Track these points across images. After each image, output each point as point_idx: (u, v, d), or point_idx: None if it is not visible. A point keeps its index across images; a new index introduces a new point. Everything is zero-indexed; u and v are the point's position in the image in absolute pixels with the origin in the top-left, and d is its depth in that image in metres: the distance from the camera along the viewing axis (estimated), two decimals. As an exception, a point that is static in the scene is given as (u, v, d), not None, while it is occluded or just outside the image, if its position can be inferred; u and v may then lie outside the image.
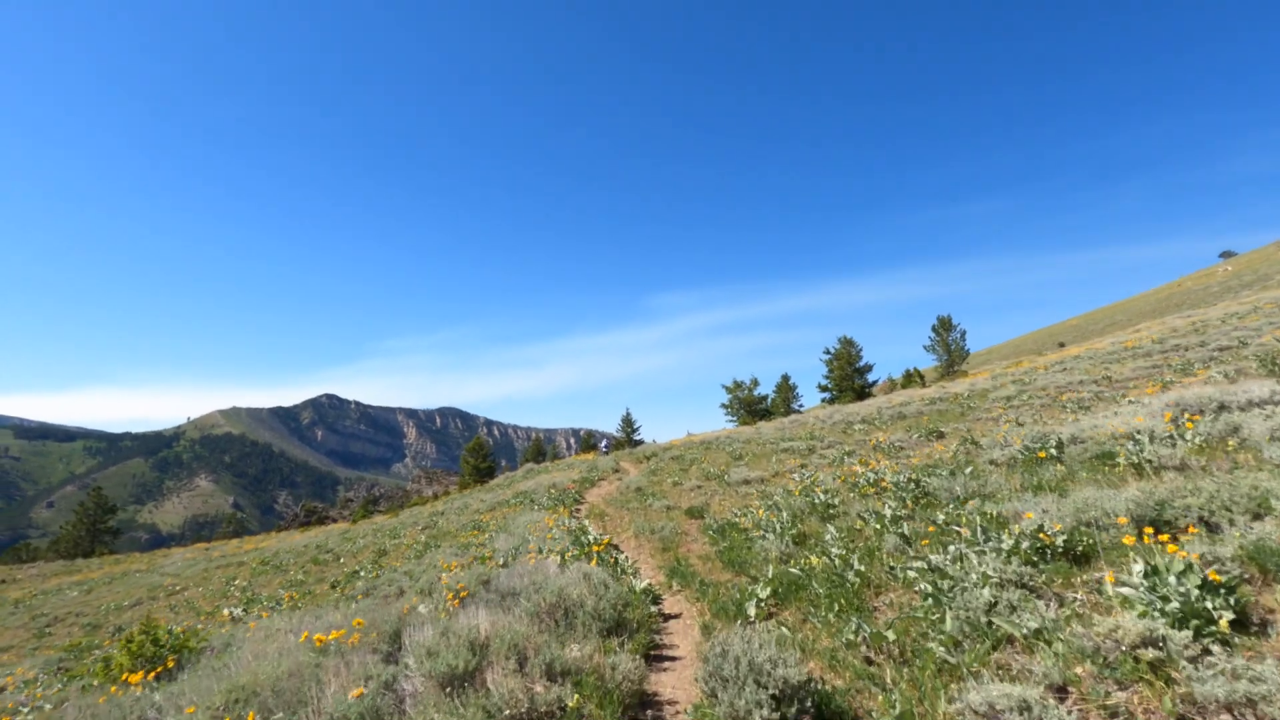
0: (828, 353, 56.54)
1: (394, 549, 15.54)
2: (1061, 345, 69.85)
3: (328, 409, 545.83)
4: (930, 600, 4.03)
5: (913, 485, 7.37)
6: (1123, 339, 31.43)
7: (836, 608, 4.48)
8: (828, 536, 6.34)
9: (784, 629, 4.40)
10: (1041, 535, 4.36)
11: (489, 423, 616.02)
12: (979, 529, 4.94)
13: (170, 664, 6.92)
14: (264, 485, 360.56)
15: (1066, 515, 4.72)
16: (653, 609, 5.73)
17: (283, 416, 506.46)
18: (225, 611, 12.00)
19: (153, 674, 6.57)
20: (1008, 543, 4.40)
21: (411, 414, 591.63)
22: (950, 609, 3.69)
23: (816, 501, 8.13)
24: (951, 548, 4.51)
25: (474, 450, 62.25)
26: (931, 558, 4.51)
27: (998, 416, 13.90)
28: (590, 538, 9.14)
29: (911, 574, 4.58)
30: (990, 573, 3.89)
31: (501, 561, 8.86)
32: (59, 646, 11.83)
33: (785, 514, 8.06)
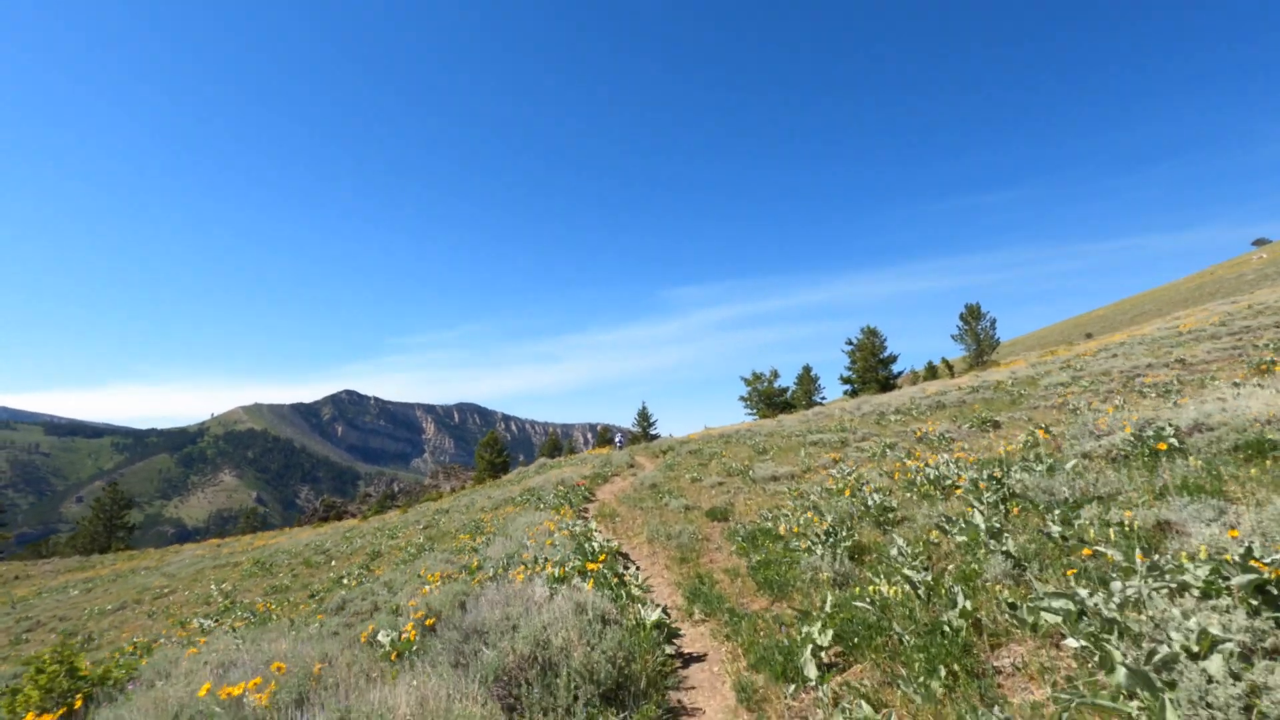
0: (850, 344, 54.68)
1: (389, 551, 14.34)
2: (1089, 336, 67.14)
3: (348, 405, 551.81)
4: (1099, 664, 2.58)
5: (994, 484, 5.84)
6: (1171, 325, 29.36)
7: (940, 670, 3.02)
8: (894, 551, 4.85)
9: (864, 703, 2.94)
10: (1256, 564, 2.86)
11: (506, 418, 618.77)
12: (1126, 548, 3.45)
13: (78, 704, 5.66)
14: (286, 480, 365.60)
15: (1275, 532, 3.21)
16: (668, 650, 4.31)
17: (304, 413, 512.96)
18: (195, 622, 10.86)
19: (56, 716, 5.30)
20: (1196, 573, 2.91)
21: (430, 409, 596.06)
22: (1161, 694, 2.21)
23: (870, 504, 6.63)
24: (1118, 584, 3.00)
25: (488, 445, 61.32)
26: (1079, 592, 3.03)
27: (1061, 403, 12.26)
28: (595, 545, 7.75)
29: (1050, 617, 3.10)
30: (1216, 629, 2.40)
31: (491, 573, 7.50)
32: (19, 659, 10.78)
33: (830, 517, 6.59)
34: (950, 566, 4.35)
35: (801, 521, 7.24)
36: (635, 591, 5.81)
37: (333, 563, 15.11)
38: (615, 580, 6.15)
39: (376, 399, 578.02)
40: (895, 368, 53.78)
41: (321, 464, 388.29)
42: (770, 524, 7.75)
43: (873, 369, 53.36)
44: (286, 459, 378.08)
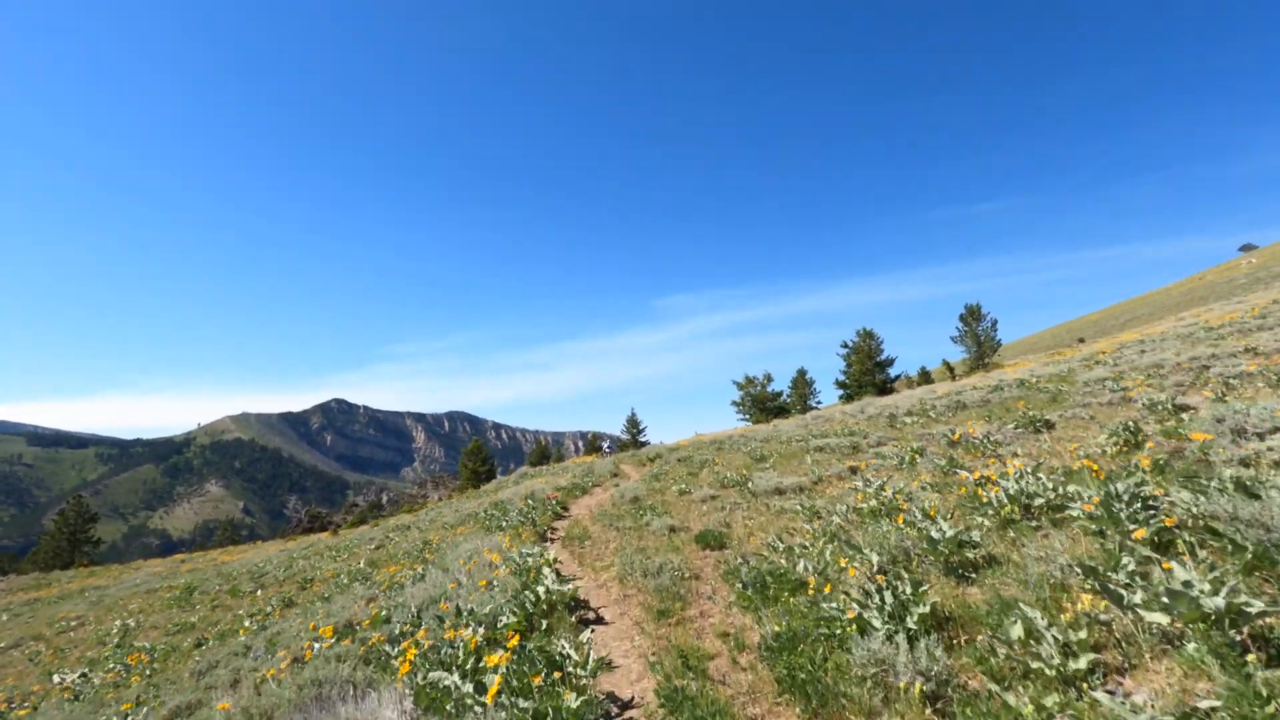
0: (845, 346, 52.79)
1: (322, 579, 12.14)
2: (1081, 340, 65.92)
3: (337, 414, 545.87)
4: None
5: (1141, 506, 3.74)
6: (1190, 323, 27.58)
7: None
8: (1019, 631, 2.73)
9: None
10: None
11: (497, 426, 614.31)
12: None
13: None
14: (274, 490, 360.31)
15: None
16: None
17: (292, 422, 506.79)
18: (57, 679, 8.64)
19: None
20: None
21: (420, 418, 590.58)
22: None
23: (935, 535, 4.48)
24: None
25: (471, 454, 58.90)
26: None
27: (1126, 398, 10.23)
28: (543, 590, 5.59)
29: None
30: None
31: (395, 629, 5.33)
32: None
33: (875, 556, 4.48)
34: (1168, 683, 2.22)
35: (828, 557, 5.12)
36: (583, 681, 3.67)
37: (258, 592, 12.85)
38: (558, 654, 4.01)
39: (366, 408, 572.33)
40: (892, 371, 51.96)
41: (310, 474, 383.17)
42: (783, 560, 5.61)
43: (869, 372, 51.48)
44: (274, 469, 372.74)
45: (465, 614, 5.28)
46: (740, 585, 5.03)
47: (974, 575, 4.02)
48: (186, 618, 11.74)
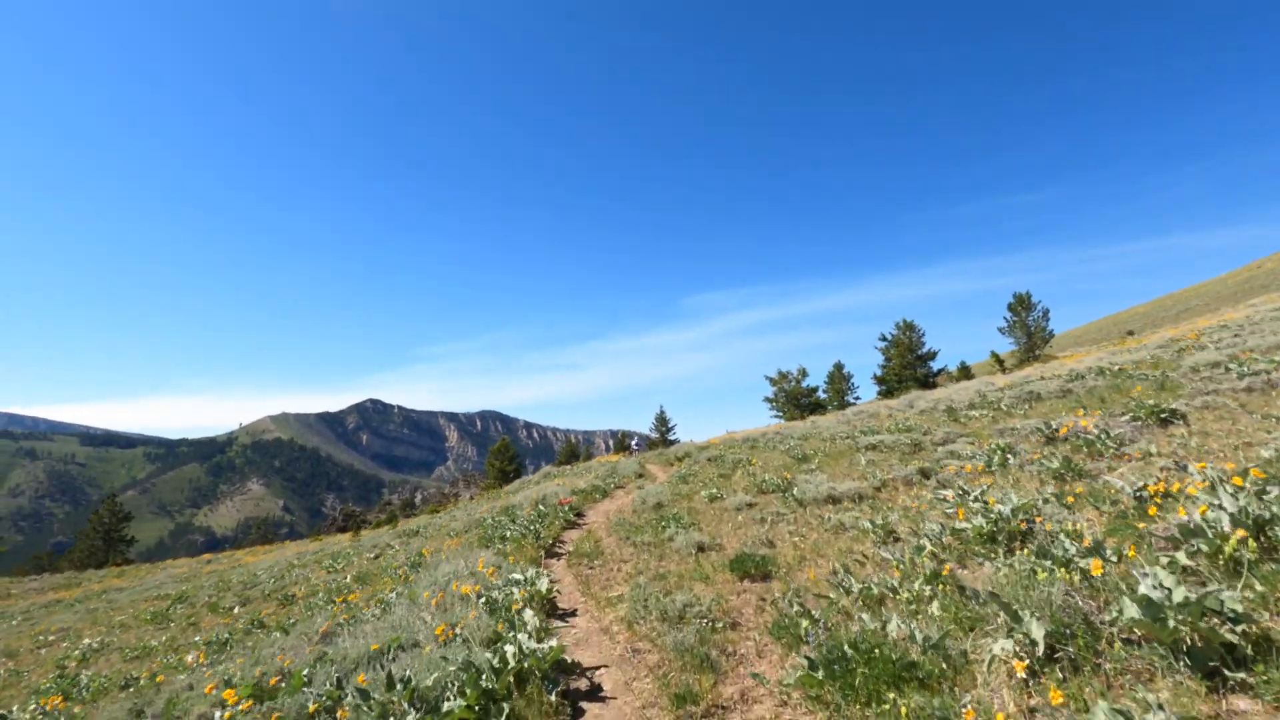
0: (884, 340, 50.17)
1: (307, 593, 10.75)
2: (1130, 333, 62.30)
3: (372, 413, 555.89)
4: None
5: None
6: (1273, 307, 24.73)
7: None
8: None
9: None
10: None
11: (528, 425, 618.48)
12: None
13: None
14: (312, 489, 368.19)
15: None
16: None
17: (329, 421, 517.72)
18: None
19: None
20: None
21: (453, 417, 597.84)
22: None
23: (1160, 597, 2.64)
24: None
25: (498, 453, 57.94)
26: None
27: (1272, 382, 8.12)
28: (519, 647, 3.93)
29: None
30: None
31: (302, 707, 3.72)
32: None
33: (1036, 627, 2.68)
34: None
35: (935, 613, 3.34)
36: None
37: (236, 609, 11.53)
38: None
39: (400, 407, 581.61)
40: (934, 365, 49.14)
41: (346, 472, 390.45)
42: (858, 608, 3.84)
43: (910, 366, 48.81)
44: (312, 468, 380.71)
45: (400, 686, 3.63)
46: (805, 660, 3.25)
47: (1241, 675, 2.20)
48: (153, 639, 10.46)
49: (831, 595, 4.37)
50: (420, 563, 9.70)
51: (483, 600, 5.44)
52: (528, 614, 4.73)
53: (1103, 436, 6.83)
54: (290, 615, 9.31)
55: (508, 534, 10.21)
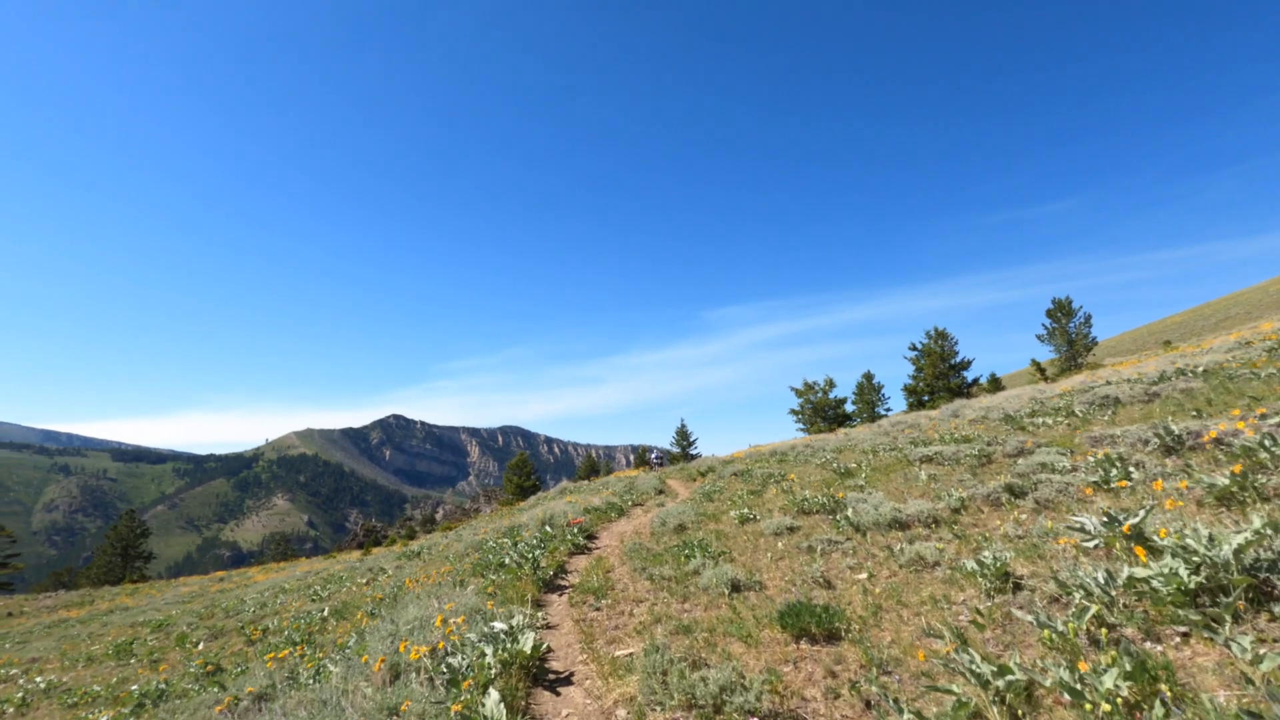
0: (914, 349, 48.10)
1: (275, 628, 9.40)
2: (1167, 343, 59.55)
3: (395, 429, 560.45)
4: None
5: None
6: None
7: None
8: None
9: None
10: None
11: (549, 440, 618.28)
12: None
13: None
14: (336, 504, 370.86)
15: None
16: None
17: (353, 437, 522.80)
18: None
19: None
20: None
21: (474, 433, 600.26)
22: None
23: None
24: None
25: (516, 468, 56.73)
26: None
27: None
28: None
29: None
30: None
31: None
32: None
33: None
34: None
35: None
36: None
37: (200, 645, 10.18)
38: None
39: (423, 423, 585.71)
40: (968, 374, 46.86)
41: (370, 487, 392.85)
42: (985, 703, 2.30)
43: (943, 376, 46.66)
44: (336, 483, 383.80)
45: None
46: None
47: None
48: (112, 675, 9.19)
49: (950, 686, 2.82)
50: (399, 594, 8.27)
51: (444, 665, 3.97)
52: (491, 697, 3.24)
53: (1267, 444, 5.17)
54: (249, 655, 7.94)
55: (506, 560, 8.75)
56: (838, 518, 7.21)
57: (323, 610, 9.41)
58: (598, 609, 6.14)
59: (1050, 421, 11.34)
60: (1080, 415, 11.29)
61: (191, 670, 7.74)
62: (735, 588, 5.62)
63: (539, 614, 6.04)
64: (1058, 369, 43.04)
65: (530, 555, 7.72)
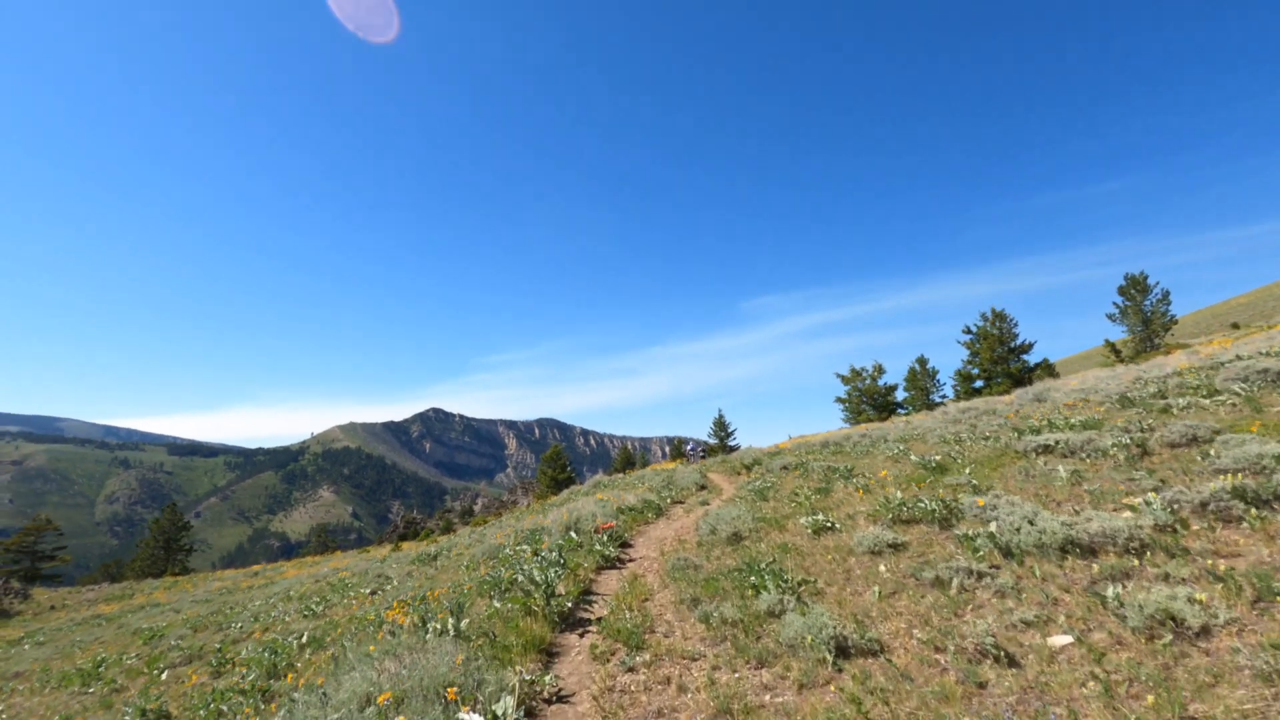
0: (969, 332, 44.85)
1: (246, 658, 7.89)
2: (1235, 326, 54.74)
3: (434, 422, 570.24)
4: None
5: None
6: None
7: None
8: None
9: None
10: None
11: (585, 432, 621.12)
12: None
13: None
14: (378, 495, 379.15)
15: None
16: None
17: (394, 430, 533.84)
18: None
19: None
20: None
21: (511, 425, 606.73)
22: None
23: None
24: None
25: (550, 461, 55.50)
26: None
27: None
28: None
29: None
30: None
31: None
32: None
33: None
34: None
35: None
36: None
37: (164, 675, 8.72)
38: None
39: (461, 416, 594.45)
40: (1029, 358, 43.41)
41: (411, 480, 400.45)
42: None
43: (1002, 360, 43.38)
44: (379, 475, 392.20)
45: None
46: None
47: None
48: (66, 707, 7.82)
49: None
50: (378, 622, 6.52)
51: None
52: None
53: None
54: (206, 692, 6.35)
55: (519, 577, 6.93)
56: (964, 532, 5.15)
57: (302, 636, 7.78)
58: (631, 669, 4.23)
59: (1205, 402, 8.94)
60: (1242, 394, 8.87)
61: (142, 706, 6.16)
62: (842, 650, 3.65)
63: (547, 677, 4.16)
64: (1132, 350, 39.46)
65: (545, 578, 5.86)
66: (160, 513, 57.61)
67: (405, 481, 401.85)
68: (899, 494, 7.24)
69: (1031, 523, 4.64)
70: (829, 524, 7.04)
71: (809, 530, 7.03)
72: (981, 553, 4.59)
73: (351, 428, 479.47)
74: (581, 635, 5.31)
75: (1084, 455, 7.49)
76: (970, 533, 5.05)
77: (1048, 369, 41.91)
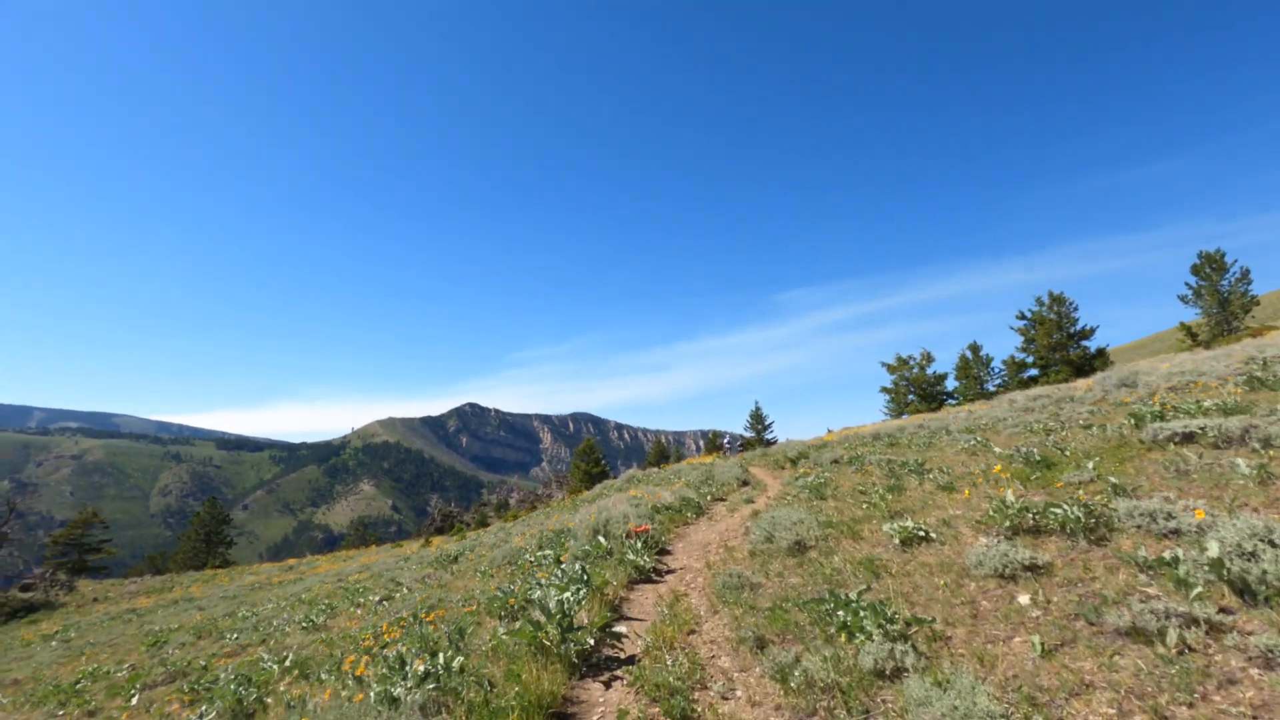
0: (1023, 317, 42.08)
1: (224, 684, 6.86)
2: None
3: (471, 417, 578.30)
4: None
5: None
6: None
7: None
8: None
9: None
10: None
11: (619, 427, 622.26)
12: None
13: None
14: (417, 489, 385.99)
15: None
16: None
17: (432, 425, 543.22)
18: None
19: None
20: None
21: (546, 420, 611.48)
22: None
23: None
24: None
25: (584, 454, 54.49)
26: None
27: None
28: None
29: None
30: None
31: None
32: None
33: None
34: None
35: None
36: None
37: (135, 700, 7.74)
38: None
39: (497, 411, 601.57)
40: (1090, 344, 40.41)
41: (448, 473, 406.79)
42: None
43: (1060, 346, 40.57)
44: (417, 469, 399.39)
45: None
46: None
47: None
48: (61, 714, 6.96)
49: None
50: (370, 652, 5.31)
51: None
52: None
53: None
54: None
55: (535, 594, 5.65)
56: (1142, 554, 3.64)
57: (286, 659, 6.67)
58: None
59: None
60: None
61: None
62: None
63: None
64: (1209, 333, 36.34)
65: (562, 605, 4.53)
66: (200, 508, 58.60)
67: (443, 475, 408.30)
68: (1009, 496, 5.68)
69: (1273, 544, 3.10)
70: (921, 532, 5.55)
71: (895, 540, 5.55)
72: (1198, 588, 3.08)
73: (390, 423, 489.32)
74: (608, 685, 3.97)
75: (1255, 445, 5.82)
76: (1148, 554, 3.53)
77: (1101, 355, 39.04)
